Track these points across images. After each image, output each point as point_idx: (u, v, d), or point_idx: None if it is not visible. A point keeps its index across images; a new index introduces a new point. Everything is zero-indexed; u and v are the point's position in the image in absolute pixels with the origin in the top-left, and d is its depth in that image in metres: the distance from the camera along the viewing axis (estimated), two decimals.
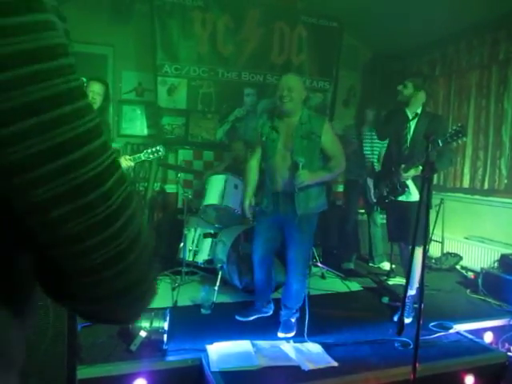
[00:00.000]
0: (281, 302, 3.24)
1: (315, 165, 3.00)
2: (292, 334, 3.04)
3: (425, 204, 2.30)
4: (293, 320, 3.12)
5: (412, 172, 3.31)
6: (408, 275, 2.34)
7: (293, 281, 3.10)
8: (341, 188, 5.75)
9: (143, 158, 3.60)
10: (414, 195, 3.37)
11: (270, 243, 3.19)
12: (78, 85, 0.41)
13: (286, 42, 5.55)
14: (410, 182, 3.39)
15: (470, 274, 4.59)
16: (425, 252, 2.41)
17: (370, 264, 5.09)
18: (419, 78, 3.56)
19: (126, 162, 3.42)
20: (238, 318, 3.30)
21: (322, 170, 3.02)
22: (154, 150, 3.61)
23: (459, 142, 3.11)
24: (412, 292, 3.39)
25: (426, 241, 2.45)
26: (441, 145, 3.10)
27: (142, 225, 0.47)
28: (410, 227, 3.37)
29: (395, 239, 3.66)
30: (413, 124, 3.45)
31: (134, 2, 5.09)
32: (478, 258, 4.73)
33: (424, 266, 2.36)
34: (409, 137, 3.44)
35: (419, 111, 3.46)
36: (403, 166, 3.35)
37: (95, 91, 3.37)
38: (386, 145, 3.97)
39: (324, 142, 2.99)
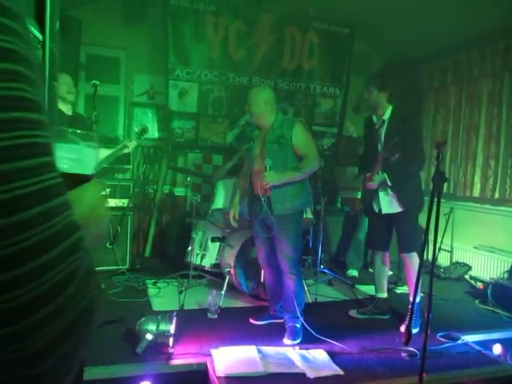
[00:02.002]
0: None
1: (289, 167, 3.07)
2: (298, 340, 3.02)
3: (435, 211, 2.29)
4: (298, 326, 3.10)
5: (377, 180, 3.30)
6: (416, 285, 2.32)
7: (285, 281, 3.15)
8: (358, 195, 5.71)
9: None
10: (385, 206, 3.38)
11: (267, 243, 3.22)
12: (54, 183, 0.39)
13: (297, 48, 5.56)
14: (381, 193, 3.38)
15: (479, 285, 4.54)
16: (434, 260, 2.39)
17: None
18: (379, 79, 3.46)
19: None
20: (251, 320, 3.33)
21: (290, 170, 3.07)
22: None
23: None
24: (417, 299, 3.39)
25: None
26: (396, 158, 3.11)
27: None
28: (393, 236, 3.47)
29: (372, 247, 3.67)
30: (383, 131, 3.38)
31: (147, 6, 5.14)
32: (487, 268, 4.69)
33: (432, 275, 2.34)
34: (379, 145, 3.39)
35: (387, 116, 3.37)
36: (368, 174, 3.35)
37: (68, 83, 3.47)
38: None
39: (295, 143, 3.07)
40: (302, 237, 3.39)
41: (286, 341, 3.02)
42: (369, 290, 4.34)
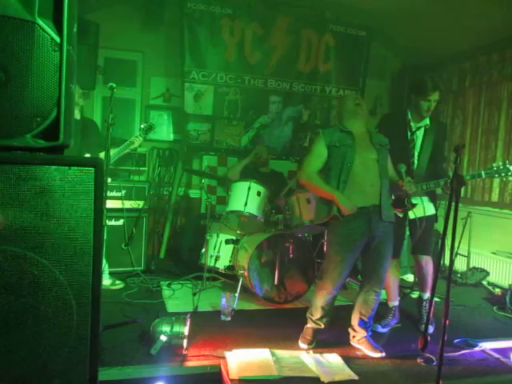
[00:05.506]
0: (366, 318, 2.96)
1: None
2: None
3: (453, 215, 2.25)
4: None
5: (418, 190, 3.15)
6: (433, 289, 2.29)
7: (375, 297, 2.91)
8: None
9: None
10: (427, 210, 3.25)
11: (353, 262, 2.88)
12: None
13: (313, 51, 5.54)
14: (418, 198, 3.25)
15: (498, 291, 4.46)
16: (451, 265, 2.35)
17: None
18: (442, 84, 3.31)
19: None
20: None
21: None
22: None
23: (502, 175, 2.95)
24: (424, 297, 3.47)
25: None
26: (484, 176, 2.97)
27: None
28: (428, 240, 3.38)
29: (416, 252, 3.49)
30: (420, 135, 3.28)
31: (164, 10, 5.18)
32: (506, 274, 4.60)
33: (450, 279, 2.30)
34: (416, 151, 3.28)
35: (428, 122, 3.26)
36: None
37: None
38: None
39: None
40: None
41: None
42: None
